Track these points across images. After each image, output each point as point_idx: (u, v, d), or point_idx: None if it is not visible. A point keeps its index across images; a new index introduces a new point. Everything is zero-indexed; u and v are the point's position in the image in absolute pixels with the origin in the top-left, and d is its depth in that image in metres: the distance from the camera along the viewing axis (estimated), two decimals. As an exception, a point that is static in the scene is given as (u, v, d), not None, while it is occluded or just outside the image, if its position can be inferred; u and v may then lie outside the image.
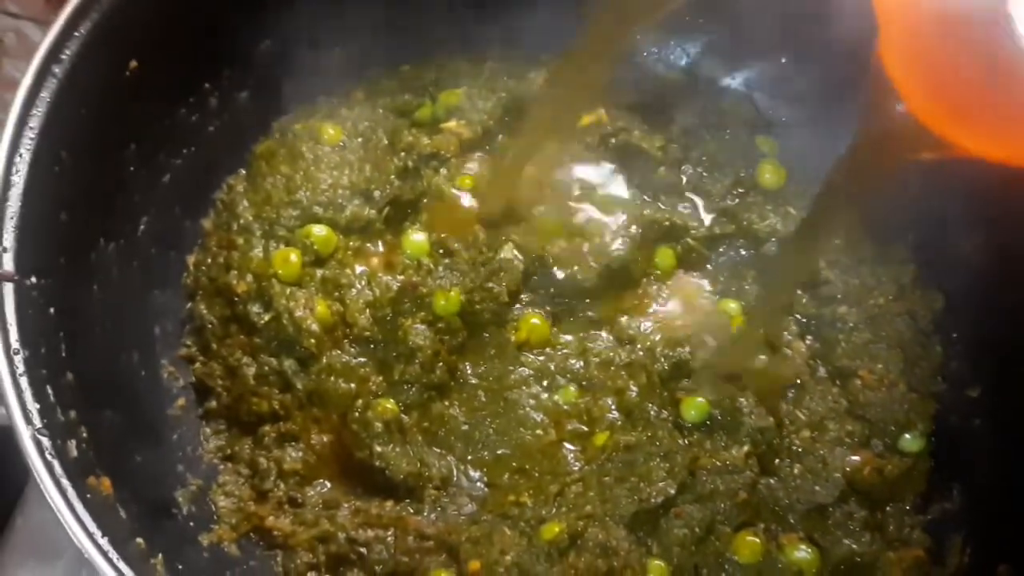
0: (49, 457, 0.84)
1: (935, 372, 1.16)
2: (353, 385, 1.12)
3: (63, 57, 0.98)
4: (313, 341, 1.11)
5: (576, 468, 1.09)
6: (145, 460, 1.04)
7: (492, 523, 1.04)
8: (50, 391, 0.89)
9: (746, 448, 1.08)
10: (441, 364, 1.11)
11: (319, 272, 1.15)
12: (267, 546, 1.07)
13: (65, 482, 0.84)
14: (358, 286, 1.15)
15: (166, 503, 1.05)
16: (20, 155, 0.94)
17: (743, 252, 1.25)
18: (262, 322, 1.13)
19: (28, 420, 0.84)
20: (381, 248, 1.20)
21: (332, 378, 1.12)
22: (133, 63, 1.07)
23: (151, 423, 1.11)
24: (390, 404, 1.10)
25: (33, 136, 0.95)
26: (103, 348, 1.04)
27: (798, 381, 1.14)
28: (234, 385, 1.13)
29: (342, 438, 1.11)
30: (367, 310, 1.13)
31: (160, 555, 0.92)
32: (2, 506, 1.16)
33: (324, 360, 1.12)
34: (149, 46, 1.08)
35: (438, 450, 1.10)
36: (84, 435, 0.92)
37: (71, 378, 0.94)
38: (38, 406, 0.86)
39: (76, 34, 1.00)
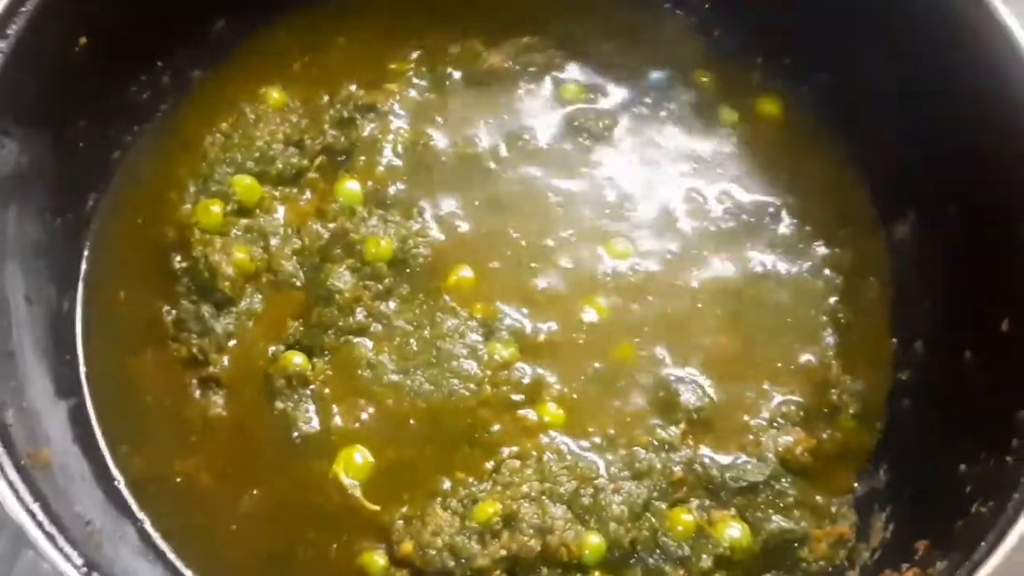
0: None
1: (869, 356, 1.19)
2: (272, 331, 1.13)
3: (9, 32, 0.99)
4: (228, 284, 1.12)
5: (512, 442, 1.10)
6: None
7: (424, 502, 1.05)
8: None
9: (682, 427, 1.10)
10: (362, 309, 1.12)
11: (243, 221, 1.17)
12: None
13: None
14: (284, 234, 1.17)
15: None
16: (-37, 128, 0.95)
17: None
18: (180, 269, 1.14)
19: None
20: (313, 197, 1.22)
21: (251, 323, 1.13)
22: (83, 39, 1.08)
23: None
24: (298, 358, 1.10)
25: (-22, 110, 0.96)
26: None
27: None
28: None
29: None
30: (294, 257, 1.16)
31: (97, 522, 0.93)
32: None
33: (243, 304, 1.13)
34: (100, 22, 1.09)
35: (356, 404, 1.09)
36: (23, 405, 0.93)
37: (11, 348, 0.95)
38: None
39: (23, 9, 1.00)
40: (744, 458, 1.10)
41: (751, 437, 1.12)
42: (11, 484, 0.83)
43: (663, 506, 1.06)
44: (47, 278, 1.08)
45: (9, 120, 1.00)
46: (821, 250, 1.24)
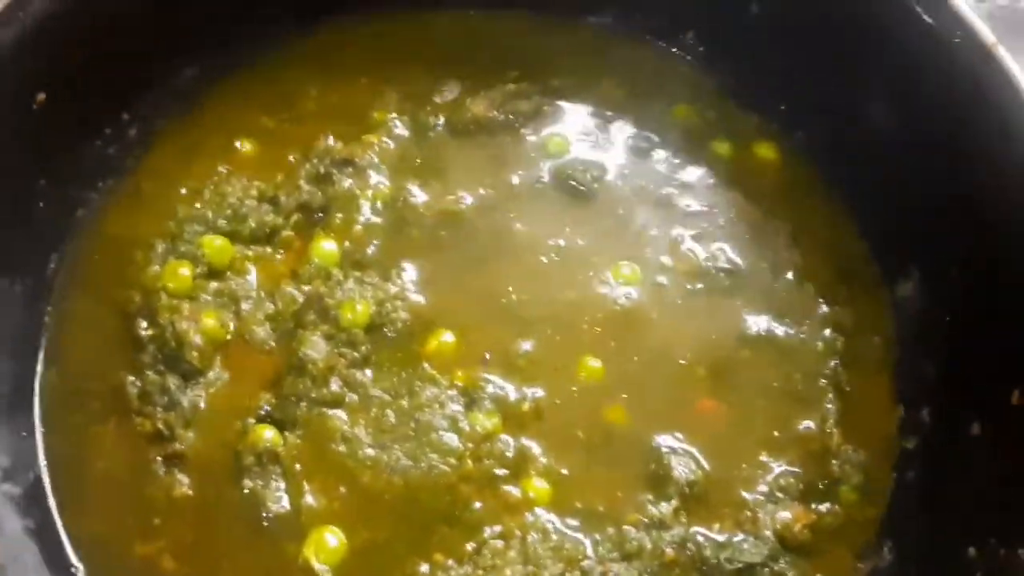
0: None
1: (872, 423, 1.13)
2: (242, 403, 1.08)
3: (-44, 95, 0.94)
4: (196, 355, 1.07)
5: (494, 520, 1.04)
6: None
7: None
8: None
9: (674, 503, 1.05)
10: (336, 378, 1.07)
11: (213, 284, 1.12)
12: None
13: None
14: (256, 298, 1.12)
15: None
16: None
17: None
18: (147, 336, 1.08)
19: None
20: (288, 257, 1.16)
21: (220, 394, 1.08)
22: (40, 96, 1.03)
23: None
24: (269, 432, 1.04)
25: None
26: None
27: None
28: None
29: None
30: (266, 323, 1.11)
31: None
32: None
33: (211, 374, 1.08)
34: (58, 77, 1.05)
35: (329, 481, 1.04)
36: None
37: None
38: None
39: (-27, 69, 0.95)
40: (740, 536, 1.04)
41: (748, 513, 1.06)
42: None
43: (655, 590, 1.01)
44: (4, 350, 1.03)
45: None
46: (821, 309, 1.18)
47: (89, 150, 1.14)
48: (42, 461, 1.04)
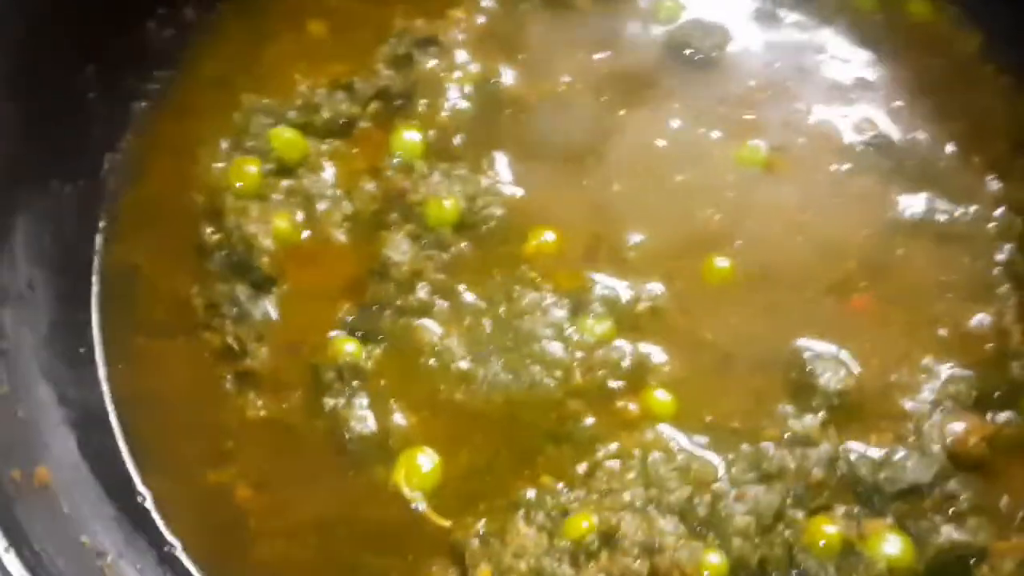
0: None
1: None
2: (319, 314, 0.98)
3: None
4: (267, 260, 0.98)
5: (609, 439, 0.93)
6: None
7: (504, 515, 0.89)
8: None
9: (821, 416, 0.94)
10: (424, 284, 0.98)
11: (284, 183, 1.03)
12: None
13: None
14: (332, 196, 1.03)
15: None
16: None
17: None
18: (213, 242, 1.00)
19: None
20: (366, 150, 1.07)
21: (295, 305, 0.99)
22: (79, -32, 0.94)
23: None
24: (350, 345, 0.95)
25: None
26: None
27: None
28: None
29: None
30: (344, 224, 1.02)
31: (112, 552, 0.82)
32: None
33: (285, 284, 0.99)
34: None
35: (420, 398, 0.95)
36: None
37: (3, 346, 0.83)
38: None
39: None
40: (902, 452, 0.92)
41: (910, 426, 0.94)
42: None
43: (800, 515, 0.90)
44: (54, 259, 0.94)
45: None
46: (991, 186, 1.05)
47: (141, 33, 1.05)
48: (103, 381, 0.95)
